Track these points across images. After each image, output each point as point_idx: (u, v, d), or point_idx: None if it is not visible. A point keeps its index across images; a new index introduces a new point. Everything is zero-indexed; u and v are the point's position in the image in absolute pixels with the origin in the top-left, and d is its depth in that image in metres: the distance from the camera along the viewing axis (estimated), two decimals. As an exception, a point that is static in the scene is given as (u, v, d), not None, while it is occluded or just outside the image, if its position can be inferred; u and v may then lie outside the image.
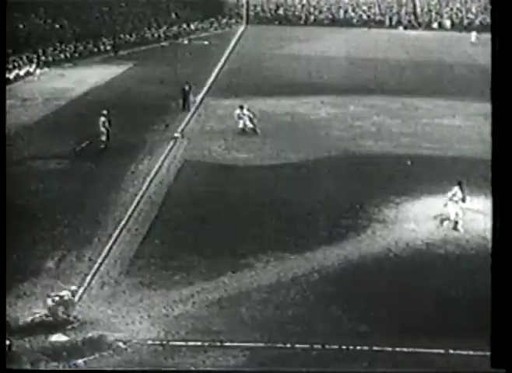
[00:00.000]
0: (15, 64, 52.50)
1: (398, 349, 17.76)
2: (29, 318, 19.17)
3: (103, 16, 71.02)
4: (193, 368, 17.19)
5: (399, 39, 75.59)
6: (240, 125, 36.56)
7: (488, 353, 14.46)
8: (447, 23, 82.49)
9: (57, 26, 65.25)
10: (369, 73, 54.62)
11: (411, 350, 17.78)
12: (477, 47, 67.91)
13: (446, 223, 25.24)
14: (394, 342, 17.98)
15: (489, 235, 24.27)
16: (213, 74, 51.15)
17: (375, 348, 17.84)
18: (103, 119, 33.13)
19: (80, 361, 17.19)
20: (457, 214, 25.13)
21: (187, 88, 40.70)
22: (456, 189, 25.23)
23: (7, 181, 28.71)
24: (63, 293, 19.35)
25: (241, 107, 36.84)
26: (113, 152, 32.83)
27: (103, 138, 32.91)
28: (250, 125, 36.52)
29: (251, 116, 36.68)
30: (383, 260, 22.66)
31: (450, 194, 25.19)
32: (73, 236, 23.88)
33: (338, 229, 24.83)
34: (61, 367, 16.72)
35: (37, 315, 19.26)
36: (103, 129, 33.04)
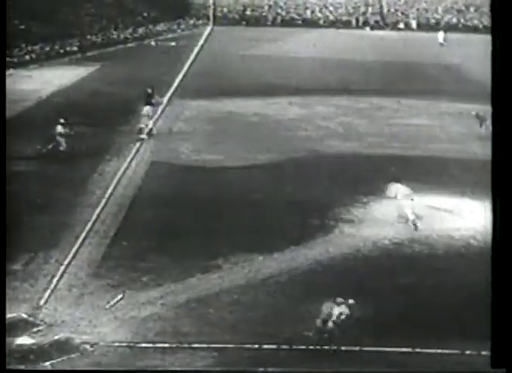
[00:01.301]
0: (-19, 66, 51.99)
1: (365, 348, 17.81)
2: (-5, 322, 18.98)
3: (70, 17, 70.58)
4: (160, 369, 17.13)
5: (366, 39, 75.82)
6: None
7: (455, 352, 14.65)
8: (414, 24, 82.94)
9: (24, 26, 64.75)
10: (336, 73, 54.77)
11: (378, 349, 17.85)
12: (444, 47, 68.44)
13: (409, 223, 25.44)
14: (361, 341, 18.04)
15: (456, 233, 24.60)
16: (180, 76, 51.00)
17: (343, 348, 17.87)
18: (59, 127, 32.55)
19: (47, 364, 17.06)
20: (412, 213, 25.15)
21: (150, 91, 39.92)
22: (393, 188, 25.23)
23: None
24: None
25: None
26: (80, 154, 32.62)
27: (61, 148, 32.34)
28: None
29: None
30: (351, 260, 22.73)
31: (393, 195, 25.13)
32: (40, 238, 23.70)
33: (306, 229, 24.87)
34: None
35: (4, 319, 19.08)
36: (58, 138, 32.50)
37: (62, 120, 32.96)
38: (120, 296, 19.69)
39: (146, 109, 36.88)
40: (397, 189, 25.44)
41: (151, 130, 36.39)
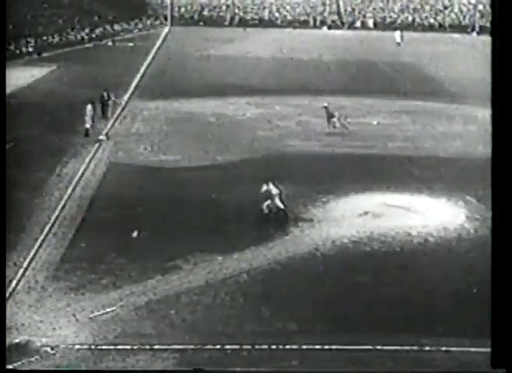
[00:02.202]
0: None
1: (326, 347, 17.92)
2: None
3: (26, 17, 69.99)
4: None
5: (323, 39, 76.24)
6: None
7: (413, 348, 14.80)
8: (370, 23, 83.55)
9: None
10: (294, 73, 55.01)
11: (339, 347, 17.96)
12: (401, 46, 69.04)
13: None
14: (322, 340, 18.15)
15: (413, 231, 24.83)
16: (138, 76, 50.86)
17: (304, 347, 17.96)
18: None
19: (9, 367, 16.92)
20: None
21: (105, 94, 39.47)
22: (266, 187, 25.49)
23: None
24: None
25: None
26: (37, 155, 32.39)
27: None
28: None
29: None
30: (310, 259, 22.83)
31: (263, 191, 25.58)
32: (-3, 241, 23.47)
33: (265, 229, 24.94)
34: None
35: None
36: None
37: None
38: (113, 308, 19.51)
39: (89, 108, 36.60)
40: (268, 188, 25.56)
41: (109, 131, 36.27)
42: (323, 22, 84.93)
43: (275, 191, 25.94)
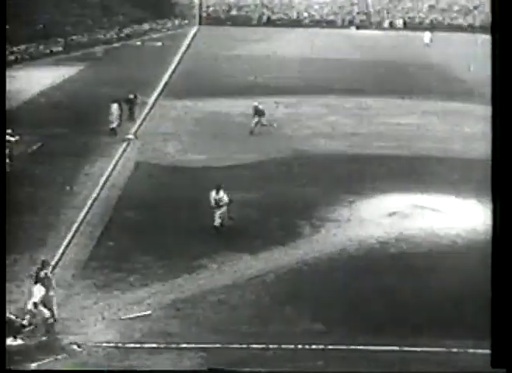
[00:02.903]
0: (-35, 66, 51.79)
1: (352, 347, 17.86)
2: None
3: (55, 17, 70.41)
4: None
5: (351, 38, 76.06)
6: None
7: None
8: (399, 23, 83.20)
9: (8, 26, 64.46)
10: (322, 73, 54.90)
11: (365, 348, 17.91)
12: (430, 47, 68.70)
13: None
14: (348, 340, 18.10)
15: (441, 232, 24.68)
16: (166, 76, 50.98)
17: (330, 347, 17.92)
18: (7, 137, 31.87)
19: (34, 365, 17.04)
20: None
21: (132, 97, 39.38)
22: (214, 194, 24.64)
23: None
24: None
25: None
26: (66, 154, 32.56)
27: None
28: None
29: None
30: (337, 260, 22.77)
31: (213, 201, 24.62)
32: (26, 239, 23.64)
33: (292, 229, 24.90)
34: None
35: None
36: None
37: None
38: (148, 312, 19.50)
39: (114, 107, 36.69)
40: (219, 197, 24.64)
41: (137, 130, 36.39)
42: (351, 22, 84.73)
43: (226, 200, 24.71)
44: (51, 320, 18.67)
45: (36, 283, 19.13)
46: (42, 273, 19.53)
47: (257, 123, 37.13)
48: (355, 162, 32.24)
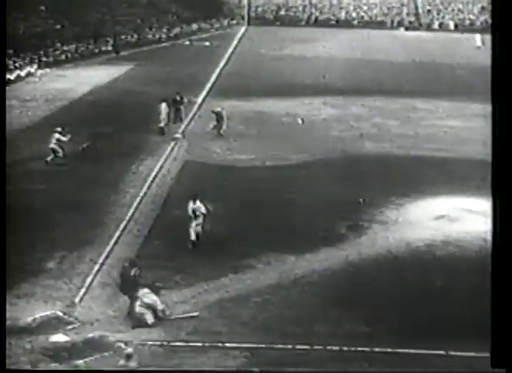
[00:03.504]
0: (17, 65, 52.53)
1: (398, 350, 17.75)
2: (29, 319, 19.17)
3: (104, 17, 71.11)
4: (194, 369, 17.20)
5: (400, 40, 75.62)
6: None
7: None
8: (450, 24, 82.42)
9: (58, 26, 65.31)
10: (370, 74, 54.69)
11: (411, 351, 17.79)
12: (481, 50, 67.93)
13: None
14: (393, 343, 18.00)
15: (489, 236, 24.37)
16: (214, 75, 51.17)
17: (376, 349, 17.84)
18: (56, 136, 31.83)
19: (80, 362, 17.19)
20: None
21: (178, 98, 39.25)
22: (192, 204, 23.82)
23: (7, 182, 28.80)
24: None
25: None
26: (114, 153, 32.84)
27: (59, 155, 31.76)
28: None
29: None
30: (383, 261, 22.66)
31: (190, 211, 23.80)
32: (74, 237, 23.89)
33: (338, 230, 24.84)
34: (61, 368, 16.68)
35: (38, 316, 19.27)
36: (54, 146, 31.71)
37: (57, 136, 31.96)
38: (196, 313, 19.58)
39: (163, 107, 36.87)
40: (193, 206, 23.88)
41: (184, 129, 36.57)
42: (400, 23, 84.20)
43: (203, 210, 23.77)
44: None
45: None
46: (132, 272, 19.87)
47: (214, 128, 36.68)
48: (403, 164, 32.04)
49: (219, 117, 36.75)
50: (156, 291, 19.44)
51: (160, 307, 19.05)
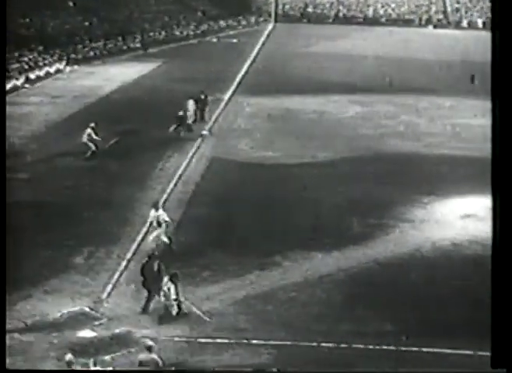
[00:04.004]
0: (46, 62, 52.88)
1: (424, 349, 17.70)
2: (57, 314, 19.32)
3: (132, 14, 71.41)
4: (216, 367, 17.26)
5: (428, 38, 75.25)
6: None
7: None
8: (478, 22, 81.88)
9: (87, 23, 65.68)
10: (397, 72, 54.47)
11: (436, 350, 17.73)
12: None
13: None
14: (420, 342, 17.95)
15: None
16: (242, 72, 51.24)
17: (402, 349, 17.80)
18: (89, 131, 31.91)
19: (107, 357, 17.30)
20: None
21: (202, 97, 39.02)
22: (154, 213, 23.12)
23: (35, 178, 29.06)
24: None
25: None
26: (141, 149, 32.98)
27: (93, 148, 31.82)
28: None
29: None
30: (410, 260, 22.59)
31: (152, 220, 23.13)
32: (101, 233, 24.03)
33: (365, 229, 24.79)
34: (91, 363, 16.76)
35: (65, 311, 19.42)
36: (86, 141, 31.83)
37: (89, 131, 32.00)
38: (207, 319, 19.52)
39: (190, 104, 36.87)
40: (154, 215, 23.15)
41: (211, 126, 36.64)
42: (428, 21, 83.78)
43: (166, 219, 22.85)
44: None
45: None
46: (156, 267, 19.94)
47: (175, 129, 35.38)
48: (430, 163, 31.91)
49: (182, 121, 35.66)
50: (174, 280, 19.43)
51: (174, 296, 19.08)
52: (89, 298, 20.03)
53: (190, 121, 36.53)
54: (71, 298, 19.83)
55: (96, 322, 18.83)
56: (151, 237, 22.92)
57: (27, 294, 20.06)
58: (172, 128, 35.13)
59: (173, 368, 16.91)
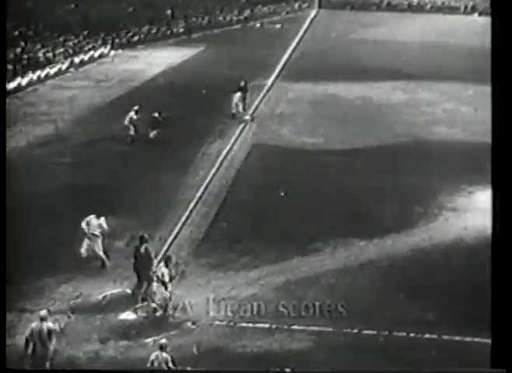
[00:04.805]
0: (90, 46, 53.15)
1: (467, 339, 17.56)
2: (99, 297, 19.45)
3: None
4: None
5: (474, 25, 74.36)
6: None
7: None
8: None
9: (131, 9, 65.85)
10: (441, 59, 53.88)
11: (477, 340, 17.57)
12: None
13: None
14: (461, 331, 17.81)
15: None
16: (284, 58, 51.01)
17: (444, 337, 17.67)
18: (131, 114, 31.96)
19: (149, 340, 17.39)
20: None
21: (242, 84, 38.32)
22: (95, 220, 21.68)
23: (79, 162, 29.20)
24: None
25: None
26: (184, 134, 32.99)
27: (131, 133, 32.00)
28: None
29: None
30: (453, 249, 22.40)
31: (84, 226, 21.55)
32: (144, 217, 24.12)
33: (408, 216, 24.60)
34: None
35: (108, 293, 19.55)
36: (128, 124, 31.86)
37: (132, 114, 32.03)
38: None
39: (237, 96, 36.64)
40: (90, 221, 21.78)
41: (254, 111, 36.51)
42: (473, 9, 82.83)
43: (101, 228, 21.41)
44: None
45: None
46: (142, 249, 19.89)
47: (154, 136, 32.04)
48: (476, 151, 31.51)
49: (157, 124, 32.58)
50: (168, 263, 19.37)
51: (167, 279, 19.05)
52: (130, 281, 20.14)
53: (234, 111, 36.25)
54: (113, 281, 19.94)
55: (138, 305, 18.91)
56: (83, 249, 21.09)
57: (70, 277, 20.23)
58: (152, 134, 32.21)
59: (213, 353, 16.93)
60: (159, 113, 28.42)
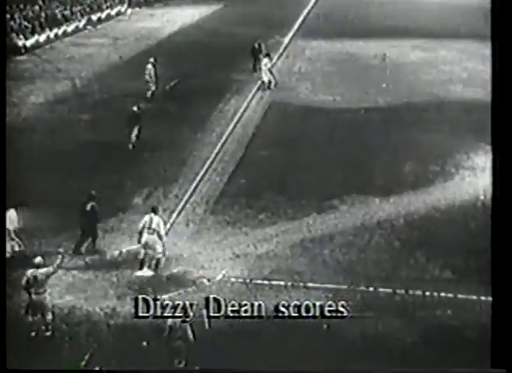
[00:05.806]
0: (107, 4, 52.88)
1: (483, 298, 17.53)
2: (115, 253, 19.55)
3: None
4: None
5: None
6: None
7: None
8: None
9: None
10: (461, 17, 53.31)
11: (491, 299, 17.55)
12: None
13: None
14: (477, 290, 17.79)
15: None
16: (302, 16, 50.62)
17: (460, 296, 17.67)
18: (149, 67, 31.80)
19: (165, 296, 17.47)
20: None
21: (257, 46, 37.61)
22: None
23: (97, 119, 29.20)
24: None
25: None
26: (201, 92, 32.89)
27: (152, 88, 31.88)
28: None
29: None
30: (469, 208, 22.31)
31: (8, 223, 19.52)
32: (160, 174, 24.16)
33: (425, 175, 24.51)
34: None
35: (124, 250, 19.64)
36: (148, 78, 31.73)
37: (150, 66, 31.86)
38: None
39: (265, 61, 36.10)
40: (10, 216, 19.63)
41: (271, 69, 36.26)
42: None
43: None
44: (160, 256, 18.94)
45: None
46: (88, 207, 19.81)
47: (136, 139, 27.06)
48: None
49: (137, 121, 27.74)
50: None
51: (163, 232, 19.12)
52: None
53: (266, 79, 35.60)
54: (130, 237, 20.01)
55: (154, 262, 18.98)
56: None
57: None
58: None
59: (230, 309, 16.95)
60: (138, 107, 27.71)
